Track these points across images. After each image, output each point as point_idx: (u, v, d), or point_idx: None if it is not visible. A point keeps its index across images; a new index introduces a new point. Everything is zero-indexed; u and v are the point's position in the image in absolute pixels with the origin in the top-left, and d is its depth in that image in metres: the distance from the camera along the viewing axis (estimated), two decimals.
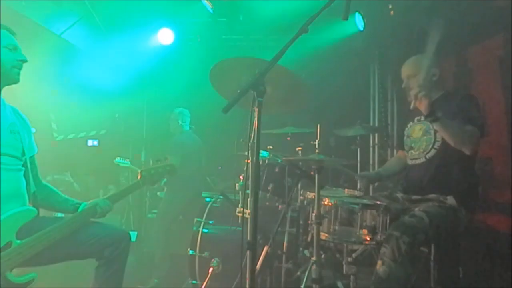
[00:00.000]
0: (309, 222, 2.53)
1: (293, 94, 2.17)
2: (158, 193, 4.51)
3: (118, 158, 4.50)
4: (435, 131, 2.38)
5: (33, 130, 3.90)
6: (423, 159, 2.44)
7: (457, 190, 2.28)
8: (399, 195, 2.55)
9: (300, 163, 2.70)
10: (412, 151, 2.53)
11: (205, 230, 3.03)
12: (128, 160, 4.56)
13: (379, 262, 2.08)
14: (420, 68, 2.46)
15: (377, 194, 2.69)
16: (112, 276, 2.00)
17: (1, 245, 1.73)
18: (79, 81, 4.63)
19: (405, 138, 2.63)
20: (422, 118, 2.49)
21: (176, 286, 3.33)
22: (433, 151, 2.40)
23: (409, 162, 2.56)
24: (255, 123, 1.56)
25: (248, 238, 1.50)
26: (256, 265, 2.34)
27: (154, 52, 4.95)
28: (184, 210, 4.14)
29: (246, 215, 2.21)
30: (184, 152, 4.09)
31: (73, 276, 3.30)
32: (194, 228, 3.07)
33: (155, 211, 5.17)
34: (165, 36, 4.79)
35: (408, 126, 2.61)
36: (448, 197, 2.27)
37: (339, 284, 2.46)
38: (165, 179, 4.22)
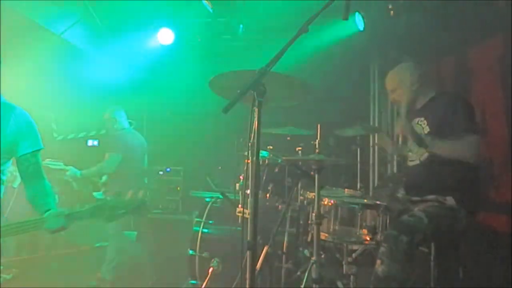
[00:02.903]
0: (309, 222, 2.53)
1: (292, 91, 2.16)
2: (94, 193, 4.11)
3: (48, 160, 3.79)
4: (425, 135, 2.40)
5: None
6: (417, 161, 2.45)
7: (456, 190, 2.28)
8: (400, 194, 2.55)
9: (300, 163, 2.70)
10: (410, 153, 2.56)
11: (205, 230, 3.03)
12: (61, 161, 3.92)
13: (378, 262, 2.08)
14: (399, 81, 2.52)
15: (377, 193, 2.70)
16: None
17: None
18: (79, 81, 4.63)
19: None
20: (416, 121, 2.51)
21: (176, 286, 3.33)
22: (426, 154, 2.41)
23: (408, 163, 2.58)
24: (255, 123, 1.56)
25: (248, 238, 1.50)
26: (256, 265, 2.34)
27: (154, 52, 4.95)
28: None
29: (246, 215, 2.21)
30: (126, 150, 3.83)
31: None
32: (194, 228, 3.07)
33: (155, 211, 5.18)
34: (165, 36, 4.78)
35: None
36: (448, 198, 2.27)
37: (339, 284, 2.46)
38: (104, 178, 4.01)
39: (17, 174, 3.90)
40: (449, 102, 2.36)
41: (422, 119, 2.46)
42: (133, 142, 4.00)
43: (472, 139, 2.22)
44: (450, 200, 2.26)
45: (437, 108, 2.40)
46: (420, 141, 2.37)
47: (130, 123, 4.17)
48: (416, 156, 2.47)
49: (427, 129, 2.40)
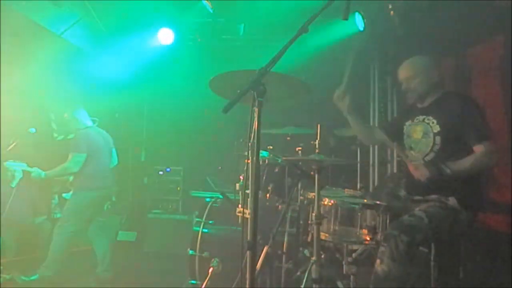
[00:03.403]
0: (309, 222, 2.53)
1: (291, 91, 2.16)
2: (63, 195, 4.04)
3: (10, 161, 3.78)
4: (435, 134, 2.38)
5: (33, 130, 3.90)
6: (421, 161, 2.42)
7: (459, 191, 2.27)
8: (402, 193, 2.55)
9: (300, 163, 2.70)
10: (412, 152, 2.52)
11: (205, 230, 3.03)
12: (24, 162, 3.80)
13: (378, 261, 2.08)
14: (419, 69, 2.48)
15: (378, 192, 2.69)
16: None
17: None
18: (79, 81, 4.63)
19: (404, 137, 2.61)
20: (421, 118, 2.50)
21: (176, 286, 3.34)
22: (432, 154, 2.39)
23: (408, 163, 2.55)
24: (255, 123, 1.56)
25: (248, 238, 1.50)
26: (256, 265, 2.33)
27: (154, 52, 4.95)
28: (92, 211, 3.80)
29: (246, 215, 2.22)
30: (89, 149, 3.74)
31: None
32: (194, 228, 3.07)
33: (155, 211, 5.18)
34: (165, 36, 4.79)
35: (407, 124, 2.60)
36: (450, 198, 2.26)
37: (339, 284, 2.46)
38: (71, 178, 3.94)
39: (15, 174, 3.90)
40: (464, 105, 2.34)
41: (430, 117, 2.43)
42: (97, 140, 3.88)
43: (490, 145, 2.22)
44: (452, 201, 2.25)
45: (449, 109, 2.37)
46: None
47: (94, 121, 4.05)
48: (419, 156, 2.45)
49: (436, 128, 2.38)
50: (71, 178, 3.94)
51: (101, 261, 3.76)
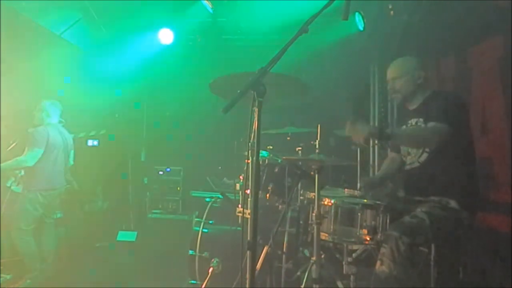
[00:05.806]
0: (309, 222, 2.53)
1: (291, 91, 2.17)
2: (12, 188, 3.92)
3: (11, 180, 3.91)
4: None
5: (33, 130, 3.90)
6: (416, 164, 2.42)
7: (458, 191, 2.26)
8: (401, 194, 2.54)
9: (300, 163, 2.70)
10: (409, 156, 2.51)
11: (205, 230, 3.03)
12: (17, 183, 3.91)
13: (379, 262, 2.08)
14: (405, 71, 2.47)
15: (377, 193, 2.69)
16: None
17: None
18: (79, 81, 4.64)
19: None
20: (413, 122, 2.48)
21: (176, 286, 3.34)
22: (425, 155, 2.38)
23: (407, 167, 2.53)
24: (255, 123, 1.56)
25: (248, 238, 1.50)
26: (256, 265, 2.33)
27: (154, 52, 4.95)
28: (42, 212, 3.76)
29: (246, 215, 2.21)
30: (47, 145, 3.70)
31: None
32: (194, 228, 3.07)
33: (155, 211, 5.18)
34: (165, 36, 4.79)
35: None
36: (451, 201, 2.25)
37: (339, 284, 2.46)
38: (21, 172, 3.89)
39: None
40: (447, 100, 2.33)
41: (421, 119, 2.42)
42: (56, 138, 3.82)
43: (443, 128, 2.17)
44: (453, 203, 2.25)
45: (436, 107, 2.34)
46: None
47: (60, 122, 4.01)
48: (414, 159, 2.44)
49: None
50: (21, 172, 3.88)
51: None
